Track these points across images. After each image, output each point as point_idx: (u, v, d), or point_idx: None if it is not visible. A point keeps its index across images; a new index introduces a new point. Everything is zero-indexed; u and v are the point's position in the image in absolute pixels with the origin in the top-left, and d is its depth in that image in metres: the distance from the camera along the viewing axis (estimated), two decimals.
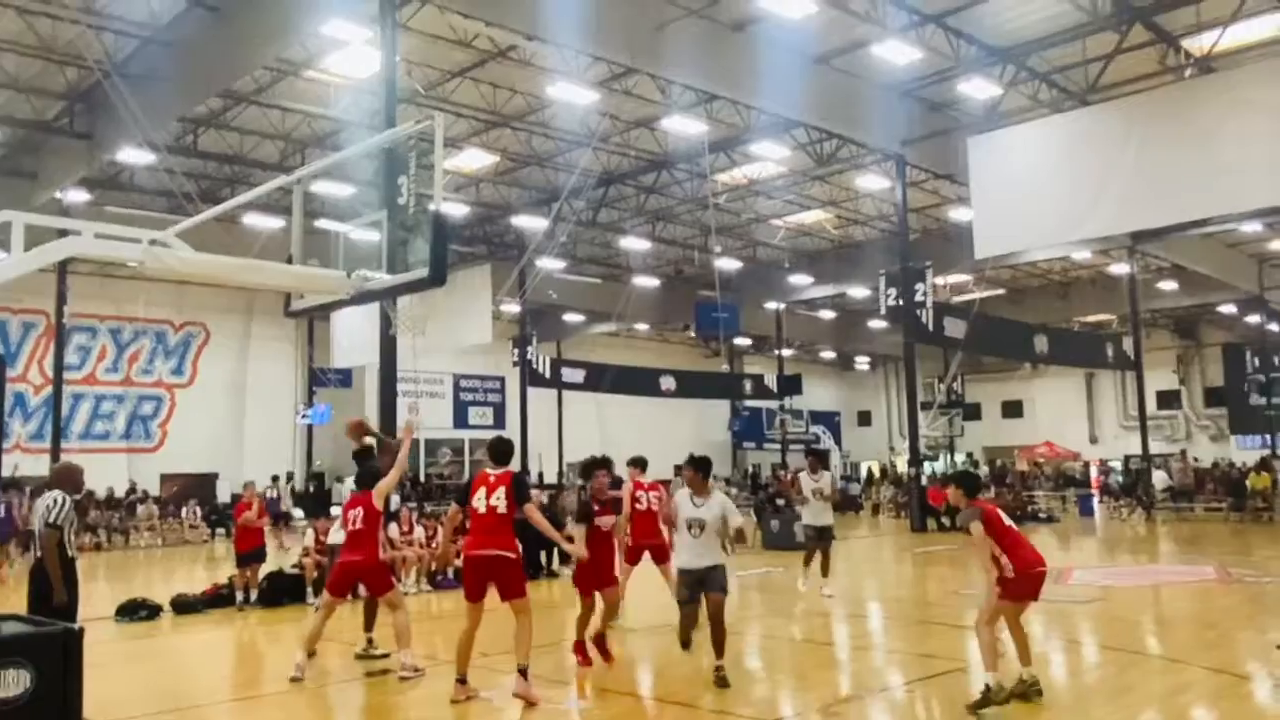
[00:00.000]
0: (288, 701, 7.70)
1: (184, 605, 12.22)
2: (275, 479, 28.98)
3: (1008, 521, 6.94)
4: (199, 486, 29.45)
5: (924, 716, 7.05)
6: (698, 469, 7.67)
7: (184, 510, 26.08)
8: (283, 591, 12.71)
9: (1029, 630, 7.05)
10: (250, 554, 12.78)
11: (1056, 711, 6.88)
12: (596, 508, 8.17)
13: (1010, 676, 6.70)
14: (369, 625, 9.12)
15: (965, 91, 20.27)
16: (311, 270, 6.23)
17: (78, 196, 22.99)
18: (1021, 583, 6.71)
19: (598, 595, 8.18)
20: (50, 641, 4.73)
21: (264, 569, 13.04)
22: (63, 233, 5.66)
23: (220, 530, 25.45)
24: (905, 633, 10.44)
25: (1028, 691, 6.68)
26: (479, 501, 7.19)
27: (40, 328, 29.33)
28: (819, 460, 13.16)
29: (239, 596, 12.49)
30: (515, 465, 7.68)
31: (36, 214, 6.40)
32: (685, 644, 7.75)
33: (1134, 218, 17.64)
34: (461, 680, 7.18)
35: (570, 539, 8.23)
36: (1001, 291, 36.60)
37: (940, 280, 27.15)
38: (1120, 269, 31.83)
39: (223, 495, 29.49)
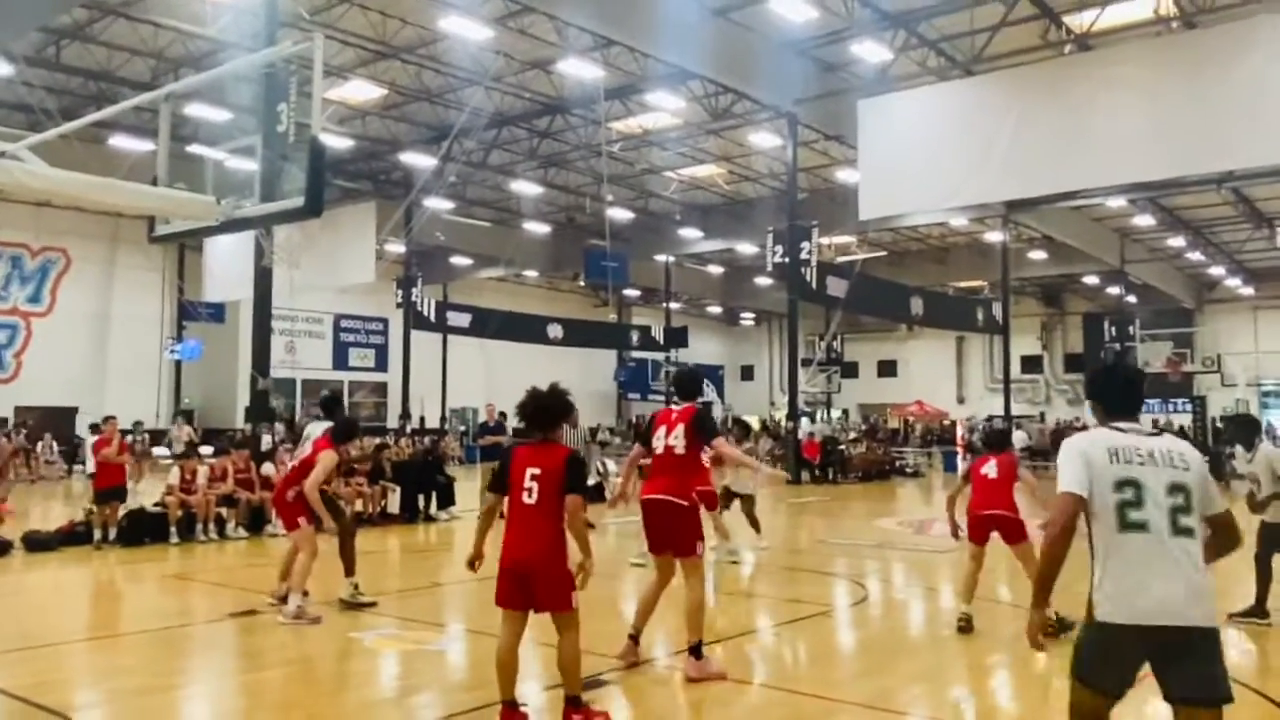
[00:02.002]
0: (146, 642, 7.45)
1: (37, 543, 11.66)
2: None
3: (983, 470, 7.67)
4: (57, 420, 28.02)
5: (788, 657, 7.30)
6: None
7: (39, 445, 24.79)
8: (144, 531, 12.26)
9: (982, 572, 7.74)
10: (110, 491, 12.27)
11: (911, 651, 7.22)
12: None
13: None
14: (349, 570, 8.44)
15: (858, 54, 20.55)
16: (177, 194, 5.91)
17: None
18: (970, 526, 7.64)
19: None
20: None
21: (124, 507, 12.54)
22: None
23: (79, 466, 24.29)
24: (774, 579, 10.77)
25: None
26: (658, 441, 6.37)
27: None
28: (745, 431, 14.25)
29: (97, 534, 11.99)
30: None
31: None
32: None
33: (1009, 187, 18.26)
34: (633, 637, 6.44)
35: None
36: (883, 254, 37.57)
37: (825, 240, 27.68)
38: (994, 237, 33.04)
39: (82, 430, 28.11)
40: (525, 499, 4.99)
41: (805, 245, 23.52)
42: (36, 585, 10.19)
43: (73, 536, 11.98)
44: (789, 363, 25.88)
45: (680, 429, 6.30)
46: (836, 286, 24.66)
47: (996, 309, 32.09)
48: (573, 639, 5.03)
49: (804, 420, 34.66)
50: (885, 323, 40.88)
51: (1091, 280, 39.71)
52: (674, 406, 6.58)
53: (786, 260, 23.83)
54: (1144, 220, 31.76)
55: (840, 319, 30.14)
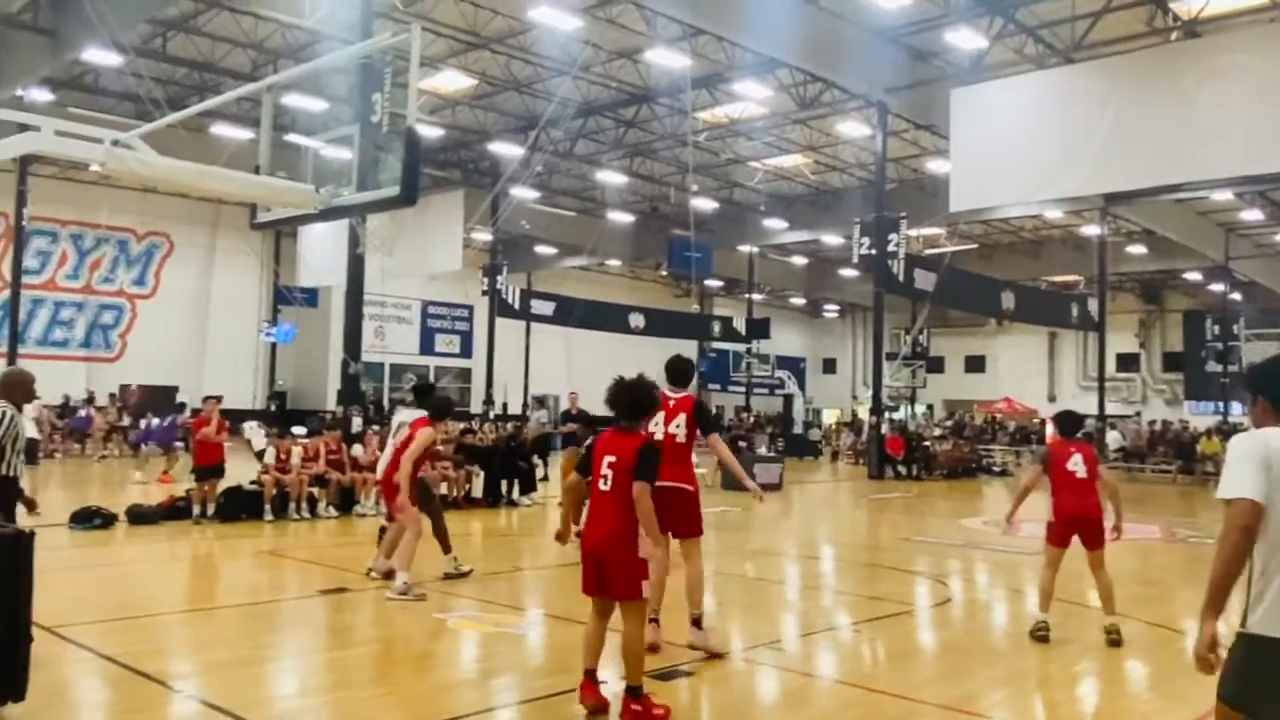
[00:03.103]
0: (241, 615, 7.72)
1: (140, 516, 12.16)
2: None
3: (1070, 467, 7.12)
4: (159, 399, 29.13)
5: (868, 656, 7.21)
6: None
7: (142, 422, 25.77)
8: (241, 507, 12.69)
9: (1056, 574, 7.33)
10: (209, 469, 12.73)
11: (995, 655, 7.07)
12: None
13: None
14: (446, 548, 8.87)
15: (952, 42, 20.09)
16: (279, 182, 6.09)
17: (40, 96, 22.33)
18: (1056, 529, 7.12)
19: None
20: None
21: (222, 484, 13.00)
22: (23, 128, 5.49)
23: (179, 443, 25.22)
24: (855, 575, 10.65)
25: (1109, 638, 6.93)
26: (656, 427, 6.39)
27: None
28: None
29: (196, 510, 12.45)
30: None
31: None
32: None
33: (1109, 179, 17.68)
34: (652, 619, 6.30)
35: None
36: (973, 246, 36.75)
37: (914, 232, 27.18)
38: (1091, 230, 32.02)
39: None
40: (602, 486, 5.09)
41: (893, 237, 23.12)
42: (139, 558, 10.64)
43: (173, 511, 12.47)
44: (873, 356, 25.51)
45: (682, 418, 6.47)
46: (924, 279, 24.20)
47: (1092, 305, 31.09)
48: (636, 628, 5.06)
49: (894, 414, 34.24)
50: (973, 317, 39.99)
51: (1194, 276, 38.21)
52: (669, 394, 6.57)
53: (873, 252, 23.48)
54: (1251, 214, 30.42)
55: (927, 312, 29.57)
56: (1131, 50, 18.08)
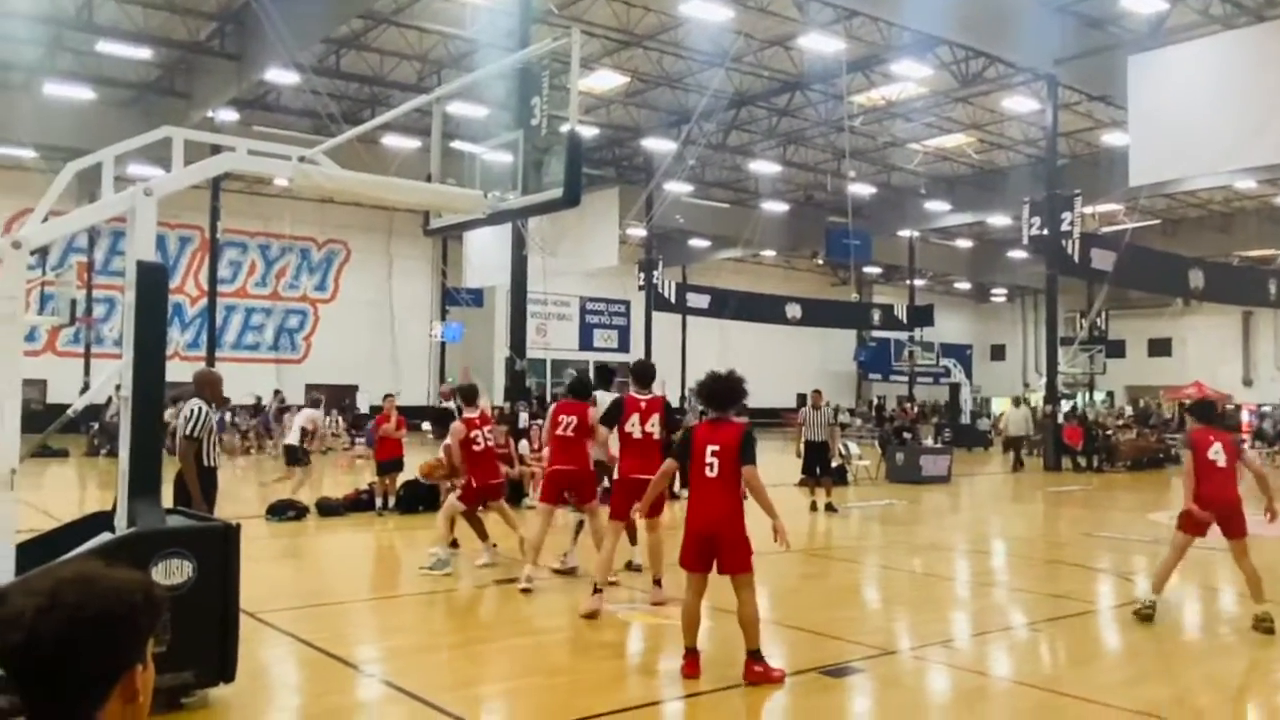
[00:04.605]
0: (420, 603, 8.08)
1: (328, 508, 12.93)
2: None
3: (1210, 456, 7.10)
4: (341, 397, 30.84)
5: (1047, 657, 6.89)
6: None
7: (327, 420, 27.32)
8: (419, 500, 13.28)
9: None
10: (389, 463, 13.37)
11: (1191, 657, 6.64)
12: None
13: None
14: (632, 539, 8.92)
15: (1127, 6, 18.94)
16: (450, 189, 6.32)
17: (228, 116, 23.99)
18: (1195, 517, 7.09)
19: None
20: (211, 535, 5.07)
21: (401, 478, 13.63)
22: (216, 149, 5.92)
23: (360, 440, 26.59)
24: (1032, 572, 10.20)
25: (1259, 626, 6.81)
26: (633, 427, 7.33)
27: (195, 242, 31.04)
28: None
29: (378, 503, 13.12)
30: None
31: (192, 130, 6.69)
32: None
33: None
34: (597, 589, 7.24)
35: None
36: (1155, 222, 34.54)
37: (1089, 209, 25.76)
38: None
39: (362, 406, 30.88)
40: (707, 473, 5.51)
41: (1066, 215, 21.97)
42: (328, 548, 11.32)
43: (357, 504, 13.21)
44: (1047, 342, 24.34)
45: (656, 418, 7.38)
46: (1102, 259, 22.90)
47: None
48: (750, 598, 5.55)
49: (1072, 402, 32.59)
50: (1157, 298, 37.61)
51: None
52: (639, 395, 7.44)
53: (1045, 232, 22.38)
54: None
55: (1105, 294, 27.97)
56: None
